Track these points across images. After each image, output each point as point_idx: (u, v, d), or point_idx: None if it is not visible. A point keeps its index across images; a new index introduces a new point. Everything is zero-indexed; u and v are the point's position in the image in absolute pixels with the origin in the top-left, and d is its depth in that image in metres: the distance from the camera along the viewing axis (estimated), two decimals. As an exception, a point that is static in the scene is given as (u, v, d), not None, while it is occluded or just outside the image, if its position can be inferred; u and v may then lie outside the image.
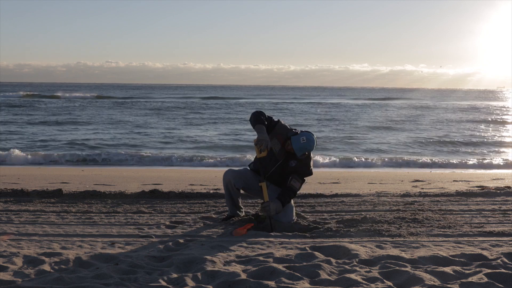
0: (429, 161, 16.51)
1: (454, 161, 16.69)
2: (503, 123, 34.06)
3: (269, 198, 5.67)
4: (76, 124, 28.58)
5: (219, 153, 18.31)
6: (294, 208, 5.94)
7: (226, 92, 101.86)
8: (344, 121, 32.86)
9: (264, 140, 5.49)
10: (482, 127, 30.43)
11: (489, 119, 36.40)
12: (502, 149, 20.72)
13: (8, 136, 22.83)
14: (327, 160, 16.24)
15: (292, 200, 5.87)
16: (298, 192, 5.91)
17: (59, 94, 65.52)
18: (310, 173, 5.83)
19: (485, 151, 19.85)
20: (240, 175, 5.87)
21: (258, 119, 5.59)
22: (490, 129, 29.44)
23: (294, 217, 5.86)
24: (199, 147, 20.24)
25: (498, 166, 15.95)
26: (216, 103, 54.68)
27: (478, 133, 26.33)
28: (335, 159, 16.47)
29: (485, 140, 23.50)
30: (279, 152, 5.68)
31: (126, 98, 63.58)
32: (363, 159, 16.59)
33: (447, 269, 4.12)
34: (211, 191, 7.90)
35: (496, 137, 25.10)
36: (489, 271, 4.04)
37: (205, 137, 23.51)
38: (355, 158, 16.82)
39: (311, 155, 5.79)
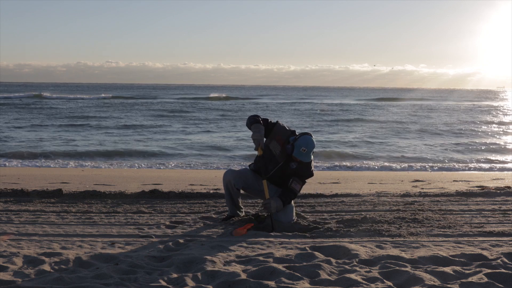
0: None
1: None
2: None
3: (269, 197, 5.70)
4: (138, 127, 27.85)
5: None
6: (294, 208, 5.94)
7: (236, 92, 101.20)
8: (380, 124, 31.11)
9: (257, 139, 5.54)
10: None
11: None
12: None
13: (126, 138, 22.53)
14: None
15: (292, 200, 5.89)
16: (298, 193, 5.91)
17: (81, 95, 65.87)
18: (311, 175, 5.82)
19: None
20: (240, 175, 5.87)
21: (254, 120, 5.63)
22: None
23: (294, 217, 5.86)
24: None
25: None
26: (237, 103, 54.28)
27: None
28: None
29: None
30: (280, 154, 5.68)
31: (147, 98, 63.53)
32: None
33: (447, 269, 4.12)
34: (211, 191, 7.89)
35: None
36: (489, 271, 4.04)
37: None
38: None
39: (312, 156, 5.78)
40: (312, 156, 5.73)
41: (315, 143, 5.66)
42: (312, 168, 5.81)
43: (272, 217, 5.61)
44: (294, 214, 5.91)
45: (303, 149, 5.53)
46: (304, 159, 5.60)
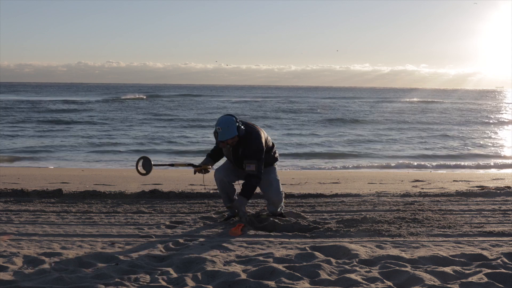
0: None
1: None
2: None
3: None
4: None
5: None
6: (280, 182, 5.97)
7: (251, 92, 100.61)
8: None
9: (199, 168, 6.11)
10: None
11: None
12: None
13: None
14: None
15: (277, 175, 6.00)
16: (255, 189, 5.82)
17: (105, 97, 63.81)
18: (261, 149, 5.69)
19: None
20: (227, 169, 5.99)
21: None
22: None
23: (283, 192, 5.96)
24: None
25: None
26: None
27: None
28: None
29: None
30: (227, 149, 5.82)
31: (180, 96, 62.86)
32: None
33: (447, 269, 4.12)
34: (211, 191, 7.89)
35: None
36: (489, 271, 4.04)
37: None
38: None
39: (239, 131, 5.68)
40: (238, 131, 5.62)
41: (229, 120, 5.61)
42: (260, 143, 5.69)
43: (243, 215, 5.73)
44: (281, 189, 5.98)
45: (218, 128, 5.64)
46: (223, 138, 5.60)
